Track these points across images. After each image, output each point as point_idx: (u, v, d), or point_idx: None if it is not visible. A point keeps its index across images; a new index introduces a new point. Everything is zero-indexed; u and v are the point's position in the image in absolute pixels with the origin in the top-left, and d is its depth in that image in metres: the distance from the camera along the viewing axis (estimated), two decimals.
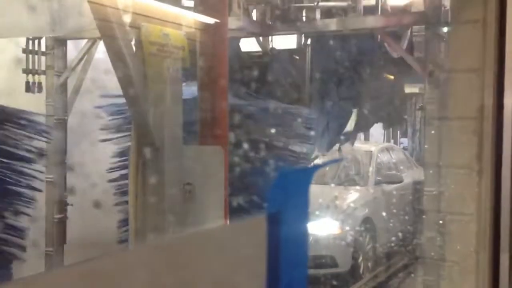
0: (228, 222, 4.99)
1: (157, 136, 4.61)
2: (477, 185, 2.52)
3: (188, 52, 5.53)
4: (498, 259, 2.47)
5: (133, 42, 4.98)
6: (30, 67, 8.52)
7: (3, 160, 7.21)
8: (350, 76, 8.29)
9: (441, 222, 2.63)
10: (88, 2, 4.54)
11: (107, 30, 4.59)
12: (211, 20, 5.34)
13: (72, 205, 8.60)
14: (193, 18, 5.42)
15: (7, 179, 7.26)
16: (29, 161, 7.49)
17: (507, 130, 2.53)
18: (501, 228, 2.48)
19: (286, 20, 8.22)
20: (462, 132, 2.59)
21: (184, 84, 5.45)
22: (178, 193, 4.51)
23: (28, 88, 8.58)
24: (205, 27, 5.31)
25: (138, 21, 5.00)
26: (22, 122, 7.52)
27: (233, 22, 8.18)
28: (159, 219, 4.45)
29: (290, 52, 8.58)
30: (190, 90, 6.08)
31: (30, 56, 8.48)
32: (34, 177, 7.53)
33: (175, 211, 4.50)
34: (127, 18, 4.90)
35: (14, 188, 7.34)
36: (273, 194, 0.84)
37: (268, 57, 8.26)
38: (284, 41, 8.68)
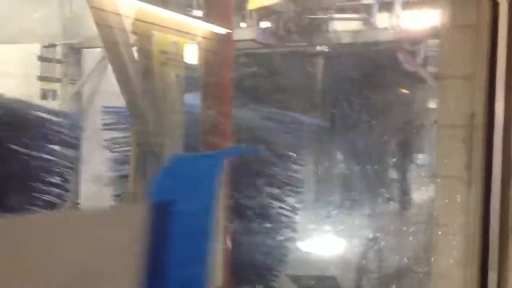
0: (228, 234, 4.92)
1: (157, 144, 4.57)
2: (466, 196, 2.41)
3: (196, 61, 5.51)
4: (486, 276, 2.35)
5: (139, 50, 4.95)
6: (46, 74, 8.60)
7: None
8: (363, 91, 8.19)
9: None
10: (90, 7, 4.54)
11: (110, 37, 4.57)
12: (217, 30, 5.31)
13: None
14: (200, 28, 5.39)
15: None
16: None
17: (497, 139, 2.43)
18: (489, 243, 2.36)
19: (299, 32, 8.18)
20: (452, 140, 2.49)
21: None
22: None
23: (44, 95, 8.66)
24: (212, 37, 5.28)
25: (148, 30, 4.98)
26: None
27: (246, 33, 8.17)
28: None
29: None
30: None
31: (46, 64, 8.56)
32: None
33: None
34: (135, 26, 4.88)
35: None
36: (161, 182, 0.77)
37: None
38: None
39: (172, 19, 5.15)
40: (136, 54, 4.85)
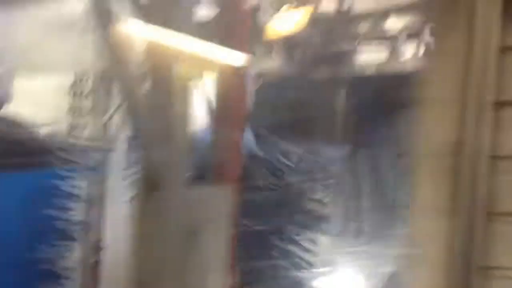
0: (235, 267, 4.82)
1: (164, 176, 4.51)
2: (448, 228, 2.26)
3: (210, 91, 5.50)
4: None
5: (152, 80, 4.95)
6: (75, 105, 8.71)
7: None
8: (388, 121, 8.01)
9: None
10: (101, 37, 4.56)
11: (121, 66, 4.59)
12: (232, 61, 5.29)
13: (106, 247, 8.57)
14: (215, 58, 5.37)
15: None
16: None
17: (482, 168, 2.28)
18: (471, 279, 2.20)
19: (324, 62, 8.12)
20: (432, 169, 2.35)
21: None
22: (182, 236, 4.38)
23: (73, 127, 8.75)
24: (226, 67, 5.26)
25: (162, 59, 4.99)
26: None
27: (269, 64, 8.17)
28: (161, 264, 4.32)
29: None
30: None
31: (75, 95, 8.68)
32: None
33: (178, 256, 4.36)
34: (149, 55, 4.90)
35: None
36: None
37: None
38: None
39: (188, 49, 5.15)
40: (148, 84, 4.85)
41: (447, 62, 2.41)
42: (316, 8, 7.92)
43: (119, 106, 8.64)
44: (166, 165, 4.47)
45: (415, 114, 2.47)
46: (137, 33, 4.68)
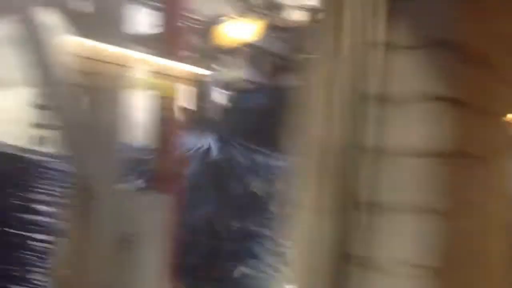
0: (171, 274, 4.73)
1: (97, 183, 4.45)
2: (325, 223, 2.19)
3: (150, 99, 5.44)
4: None
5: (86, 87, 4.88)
6: (39, 121, 8.66)
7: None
8: None
9: None
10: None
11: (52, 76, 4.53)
12: (174, 70, 5.24)
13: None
14: (156, 67, 5.29)
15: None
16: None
17: (363, 162, 2.22)
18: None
19: (290, 70, 8.05)
20: (309, 168, 2.28)
21: None
22: (115, 243, 4.31)
23: (38, 141, 8.69)
24: (168, 77, 5.21)
25: (96, 67, 4.88)
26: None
27: (234, 73, 8.11)
28: (94, 270, 4.25)
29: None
30: None
31: (40, 109, 8.63)
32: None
33: (111, 262, 4.29)
34: (83, 64, 4.83)
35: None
36: None
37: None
38: None
39: (126, 60, 5.08)
40: (84, 96, 4.79)
41: (324, 61, 2.36)
42: (276, 18, 7.91)
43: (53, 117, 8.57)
44: (99, 174, 4.41)
45: (298, 115, 2.42)
46: (72, 46, 4.64)
